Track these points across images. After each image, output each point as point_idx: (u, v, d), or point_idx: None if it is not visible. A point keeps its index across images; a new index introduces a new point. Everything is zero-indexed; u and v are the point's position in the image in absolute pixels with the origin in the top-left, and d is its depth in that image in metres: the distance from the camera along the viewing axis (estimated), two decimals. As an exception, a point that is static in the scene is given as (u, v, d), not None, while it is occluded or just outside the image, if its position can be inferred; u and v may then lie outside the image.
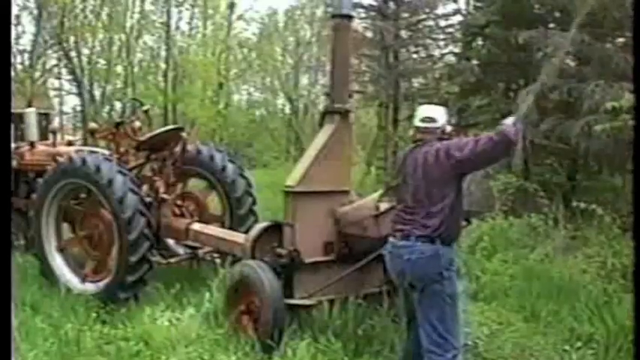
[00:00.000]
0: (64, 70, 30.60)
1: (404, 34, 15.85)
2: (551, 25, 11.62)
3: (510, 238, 8.88)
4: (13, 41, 26.11)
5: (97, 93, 30.75)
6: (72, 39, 27.78)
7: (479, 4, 14.13)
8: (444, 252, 4.30)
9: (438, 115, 4.56)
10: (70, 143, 9.35)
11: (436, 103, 5.28)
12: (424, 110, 4.60)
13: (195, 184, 8.23)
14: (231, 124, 32.85)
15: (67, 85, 32.51)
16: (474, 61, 13.47)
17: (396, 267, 4.48)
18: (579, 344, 5.53)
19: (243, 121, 34.82)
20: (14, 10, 25.08)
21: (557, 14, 12.02)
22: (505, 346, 5.60)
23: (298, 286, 5.40)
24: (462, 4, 15.11)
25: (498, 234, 8.90)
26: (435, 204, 4.30)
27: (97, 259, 6.92)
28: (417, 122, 4.56)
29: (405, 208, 4.45)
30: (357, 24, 14.60)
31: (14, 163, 8.28)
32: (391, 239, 4.53)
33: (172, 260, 7.17)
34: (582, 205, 8.20)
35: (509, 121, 4.16)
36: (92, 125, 8.90)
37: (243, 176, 7.80)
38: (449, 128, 4.63)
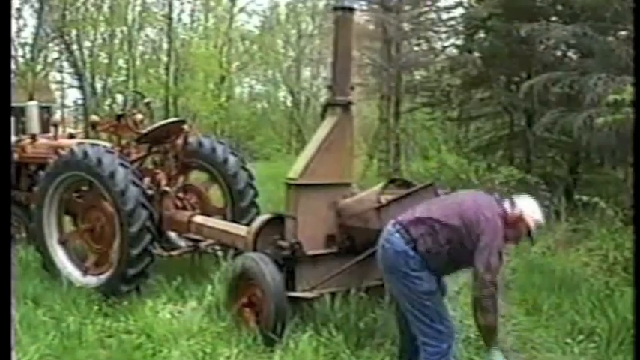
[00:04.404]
0: (65, 63, 30.74)
1: (406, 26, 15.82)
2: (553, 18, 11.58)
3: (512, 231, 8.85)
4: (14, 34, 26.17)
5: (99, 86, 30.80)
6: (73, 32, 27.80)
7: (480, -3, 14.07)
8: None
9: None
10: (71, 136, 9.34)
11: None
12: None
13: (196, 177, 8.22)
14: (233, 116, 32.79)
15: (68, 78, 32.66)
16: (476, 54, 13.43)
17: None
18: (581, 337, 5.52)
19: (245, 114, 34.80)
20: (16, 3, 25.06)
21: (558, 7, 11.98)
22: (507, 339, 5.60)
23: (300, 278, 5.40)
24: (463, -3, 15.05)
25: (500, 227, 8.87)
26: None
27: (98, 251, 6.90)
28: None
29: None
30: (359, 16, 14.54)
31: (16, 156, 8.28)
32: None
33: (174, 253, 7.17)
34: (584, 198, 8.20)
35: None
36: (94, 118, 8.88)
37: (245, 169, 7.80)
38: None
